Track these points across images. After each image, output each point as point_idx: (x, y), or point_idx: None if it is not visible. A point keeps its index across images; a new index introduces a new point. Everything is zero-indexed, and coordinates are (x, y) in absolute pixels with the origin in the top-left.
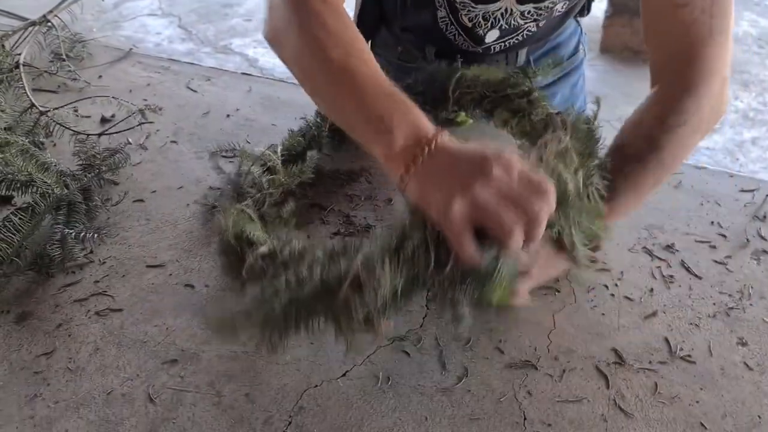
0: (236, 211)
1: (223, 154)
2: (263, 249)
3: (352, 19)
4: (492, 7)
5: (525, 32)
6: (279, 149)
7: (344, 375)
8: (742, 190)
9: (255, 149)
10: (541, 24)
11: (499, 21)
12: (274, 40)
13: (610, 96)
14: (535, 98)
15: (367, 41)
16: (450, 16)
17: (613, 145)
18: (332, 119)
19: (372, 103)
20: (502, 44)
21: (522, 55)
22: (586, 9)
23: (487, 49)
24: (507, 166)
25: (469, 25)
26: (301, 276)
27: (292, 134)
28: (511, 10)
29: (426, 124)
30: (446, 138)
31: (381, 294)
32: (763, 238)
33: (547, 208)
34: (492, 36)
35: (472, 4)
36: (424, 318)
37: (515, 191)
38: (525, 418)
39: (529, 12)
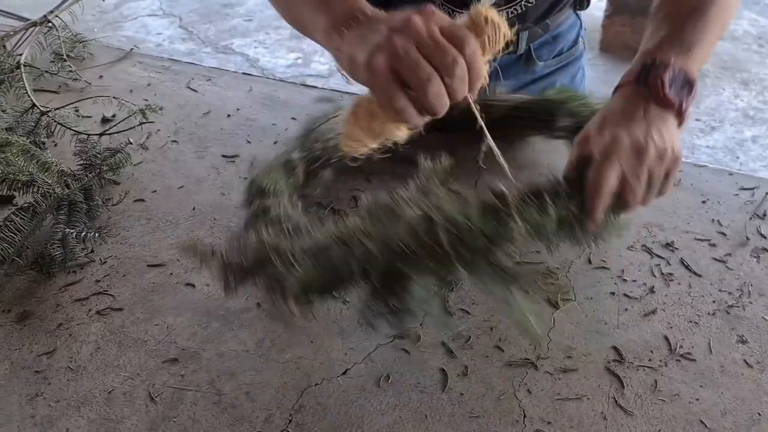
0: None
1: (224, 154)
2: (268, 202)
3: None
4: None
5: (524, 2)
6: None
7: (344, 373)
8: (742, 188)
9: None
10: None
11: None
12: None
13: (609, 95)
14: None
15: None
16: None
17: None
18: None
19: None
20: (501, 14)
21: (523, 40)
22: (585, 1)
23: None
24: (428, 16)
25: None
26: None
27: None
28: None
29: (365, 4)
30: (379, 12)
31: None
32: (762, 236)
33: (461, 59)
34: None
35: None
36: (423, 316)
37: (433, 40)
38: (525, 416)
39: None
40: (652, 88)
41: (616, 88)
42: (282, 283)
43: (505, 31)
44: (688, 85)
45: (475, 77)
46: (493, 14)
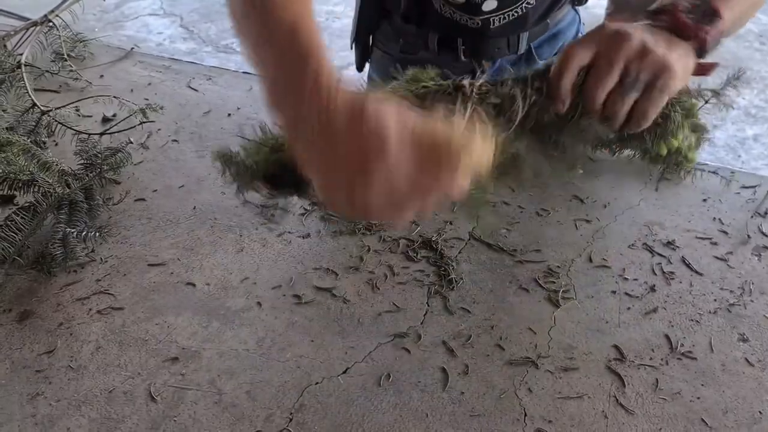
0: None
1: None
2: None
3: (353, 15)
4: None
5: (524, 4)
6: None
7: (345, 372)
8: (744, 187)
9: None
10: None
11: None
12: None
13: None
14: None
15: (368, 36)
16: None
17: None
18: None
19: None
20: (502, 17)
21: (523, 40)
22: None
23: (486, 23)
24: (404, 143)
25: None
26: None
27: None
28: None
29: (318, 59)
30: (335, 83)
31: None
32: (764, 234)
33: (435, 194)
34: (490, 5)
35: None
36: (424, 315)
37: (415, 176)
38: (526, 415)
39: None
40: (666, 15)
41: None
42: (251, 169)
43: (488, 157)
44: (710, 13)
45: (452, 199)
46: (475, 142)
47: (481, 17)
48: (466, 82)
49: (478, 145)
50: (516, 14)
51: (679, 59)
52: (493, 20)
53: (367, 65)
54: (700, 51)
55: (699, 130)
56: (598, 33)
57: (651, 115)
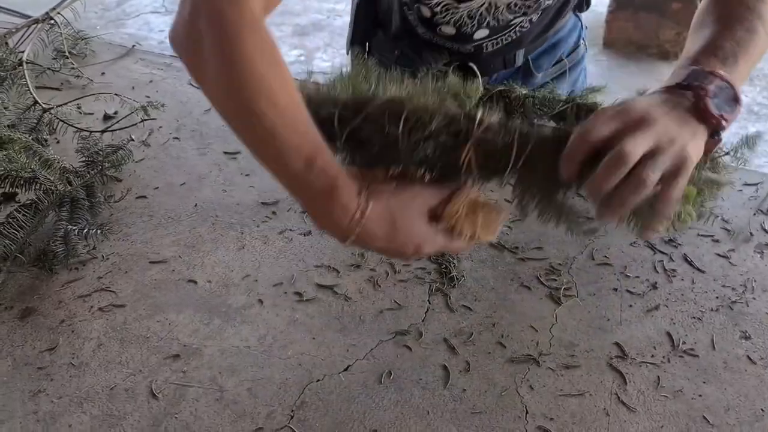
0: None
1: (225, 150)
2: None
3: (349, 21)
4: (475, 3)
5: (518, 29)
6: None
7: (346, 369)
8: (746, 184)
9: None
10: (533, 19)
11: (485, 18)
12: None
13: (613, 91)
14: None
15: (363, 44)
16: (429, 32)
17: (715, 13)
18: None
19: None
20: (495, 42)
21: (519, 56)
22: (585, 4)
23: (479, 48)
24: (433, 240)
25: (453, 32)
26: None
27: None
28: (496, 3)
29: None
30: (371, 222)
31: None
32: (766, 231)
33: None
34: (481, 33)
35: (456, 4)
36: (425, 312)
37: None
38: (527, 412)
39: (515, 4)
40: (693, 95)
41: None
42: None
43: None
44: (733, 101)
45: None
46: (489, 228)
47: (473, 44)
48: (479, 116)
49: (490, 229)
50: (510, 38)
51: (695, 145)
52: (486, 45)
53: None
54: (714, 135)
55: (696, 203)
56: (622, 112)
57: (672, 204)
